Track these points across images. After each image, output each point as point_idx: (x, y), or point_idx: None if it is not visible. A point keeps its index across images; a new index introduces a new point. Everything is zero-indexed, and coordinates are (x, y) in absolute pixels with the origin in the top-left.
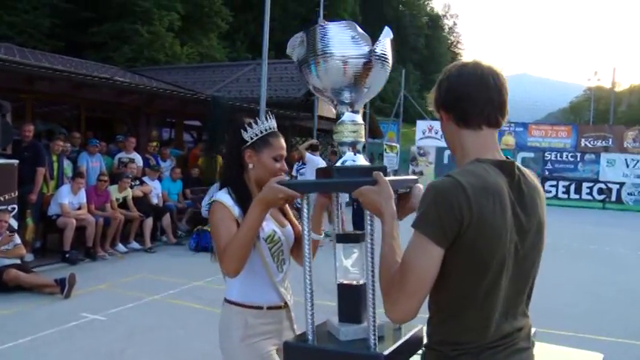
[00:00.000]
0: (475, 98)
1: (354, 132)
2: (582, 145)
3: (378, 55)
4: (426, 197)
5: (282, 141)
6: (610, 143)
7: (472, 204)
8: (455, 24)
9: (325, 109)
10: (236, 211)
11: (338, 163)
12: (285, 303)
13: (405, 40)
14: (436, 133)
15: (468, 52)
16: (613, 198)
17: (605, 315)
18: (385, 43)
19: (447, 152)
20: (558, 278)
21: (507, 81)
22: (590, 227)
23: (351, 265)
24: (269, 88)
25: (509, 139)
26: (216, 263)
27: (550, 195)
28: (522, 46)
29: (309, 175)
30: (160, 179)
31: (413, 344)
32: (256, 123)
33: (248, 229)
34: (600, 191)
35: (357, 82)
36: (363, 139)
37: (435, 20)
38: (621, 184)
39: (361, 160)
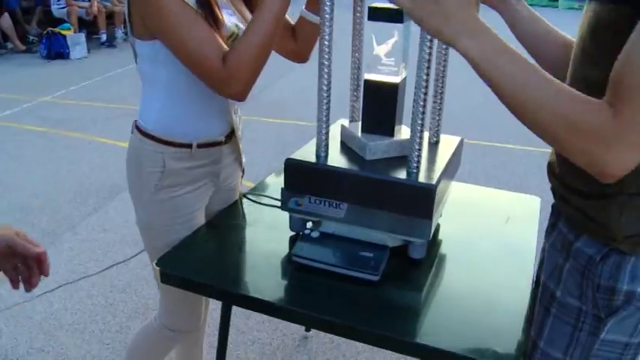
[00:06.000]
0: None
1: None
2: None
3: None
4: None
5: None
6: None
7: None
8: None
9: None
10: None
11: None
12: (233, 131)
13: None
14: None
15: None
16: None
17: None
18: None
19: None
20: None
21: None
22: None
23: (385, 54)
24: None
25: None
26: (73, 71)
27: None
28: None
29: None
30: None
31: (454, 165)
32: None
33: (275, 21)
34: None
35: None
36: None
37: None
38: None
39: None
